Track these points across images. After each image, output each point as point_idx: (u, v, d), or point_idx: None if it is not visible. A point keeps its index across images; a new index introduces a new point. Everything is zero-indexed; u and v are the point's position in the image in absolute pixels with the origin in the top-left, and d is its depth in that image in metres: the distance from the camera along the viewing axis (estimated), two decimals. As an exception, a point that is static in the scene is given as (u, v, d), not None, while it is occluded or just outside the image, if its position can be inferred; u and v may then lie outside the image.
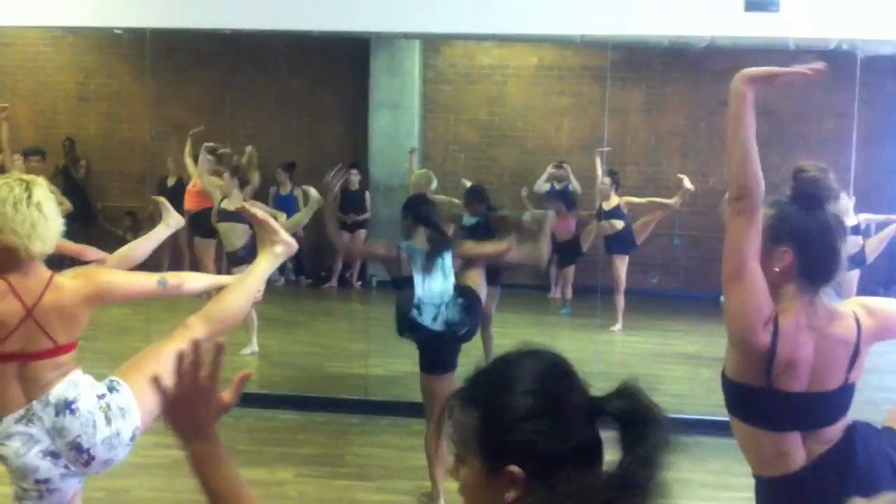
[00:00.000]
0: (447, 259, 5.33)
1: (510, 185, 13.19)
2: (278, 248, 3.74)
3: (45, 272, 3.38)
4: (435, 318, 5.18)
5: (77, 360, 3.51)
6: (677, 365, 8.94)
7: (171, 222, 4.98)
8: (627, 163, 12.80)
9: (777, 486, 2.91)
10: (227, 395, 1.77)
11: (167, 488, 5.61)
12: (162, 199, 5.22)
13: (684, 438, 6.31)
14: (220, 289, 3.84)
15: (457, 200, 9.08)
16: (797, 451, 2.86)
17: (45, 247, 3.29)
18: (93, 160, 13.20)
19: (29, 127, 13.64)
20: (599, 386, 6.60)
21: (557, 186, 12.59)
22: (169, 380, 1.73)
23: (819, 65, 2.86)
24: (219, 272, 9.22)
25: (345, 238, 12.42)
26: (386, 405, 7.25)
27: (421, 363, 5.32)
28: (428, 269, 5.24)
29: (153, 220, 12.93)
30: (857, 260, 9.89)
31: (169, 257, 12.38)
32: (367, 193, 12.69)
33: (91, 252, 4.90)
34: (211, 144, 10.81)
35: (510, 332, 8.35)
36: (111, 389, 3.44)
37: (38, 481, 3.35)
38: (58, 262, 3.68)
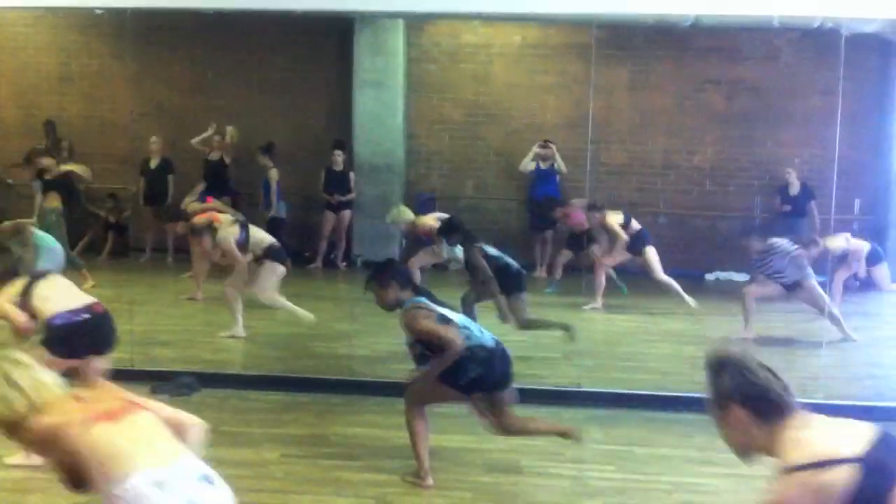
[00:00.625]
0: None
1: (495, 164, 13.18)
2: None
3: None
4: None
5: None
6: (662, 342, 8.95)
7: None
8: (612, 141, 12.79)
9: None
10: None
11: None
12: None
13: (669, 415, 6.37)
14: None
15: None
16: None
17: None
18: (75, 141, 13.10)
19: (11, 108, 13.53)
20: (585, 364, 6.60)
21: (543, 166, 12.58)
22: None
23: None
24: None
25: (329, 218, 12.44)
26: (371, 385, 7.23)
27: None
28: None
29: (136, 201, 12.98)
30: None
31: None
32: (352, 174, 12.65)
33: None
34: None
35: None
36: None
37: None
38: None
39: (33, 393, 3.15)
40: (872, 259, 10.04)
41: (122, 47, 12.49)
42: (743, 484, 5.52)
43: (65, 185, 10.81)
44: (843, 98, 8.97)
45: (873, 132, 12.38)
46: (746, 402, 2.91)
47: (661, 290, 10.22)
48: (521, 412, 5.70)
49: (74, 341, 5.43)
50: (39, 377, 3.21)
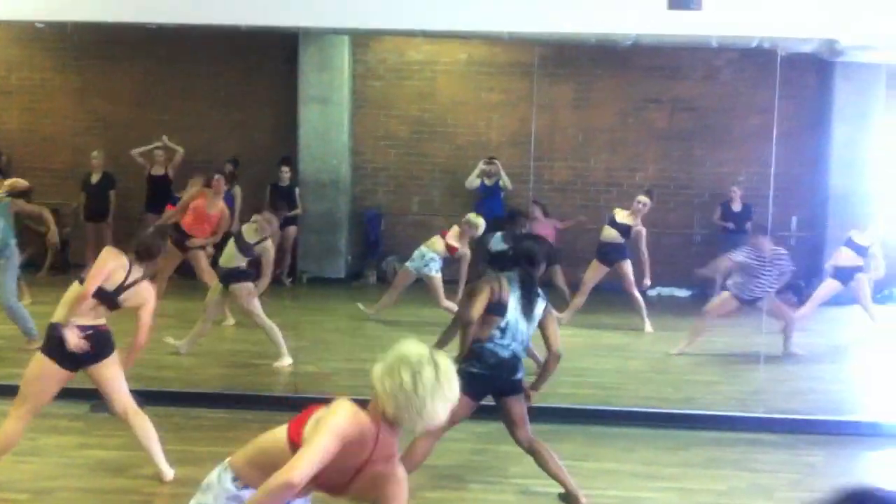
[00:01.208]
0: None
1: (440, 181, 13.23)
2: None
3: None
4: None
5: None
6: (607, 357, 9.05)
7: None
8: (556, 158, 12.92)
9: None
10: None
11: (91, 489, 5.52)
12: None
13: (614, 430, 6.42)
14: None
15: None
16: None
17: None
18: (14, 156, 12.89)
19: (-51, 122, 13.28)
20: (530, 379, 6.55)
21: (488, 182, 12.65)
22: None
23: None
24: None
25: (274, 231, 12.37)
26: (316, 402, 7.18)
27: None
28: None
29: (77, 216, 12.77)
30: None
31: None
32: (297, 189, 12.61)
33: None
34: None
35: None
36: None
37: None
38: None
39: None
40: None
41: (64, 61, 12.37)
42: (687, 498, 5.61)
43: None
44: (779, 116, 9.19)
45: (810, 150, 12.65)
46: None
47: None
48: (468, 427, 5.70)
49: None
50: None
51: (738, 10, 8.64)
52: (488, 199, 12.64)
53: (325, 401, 3.24)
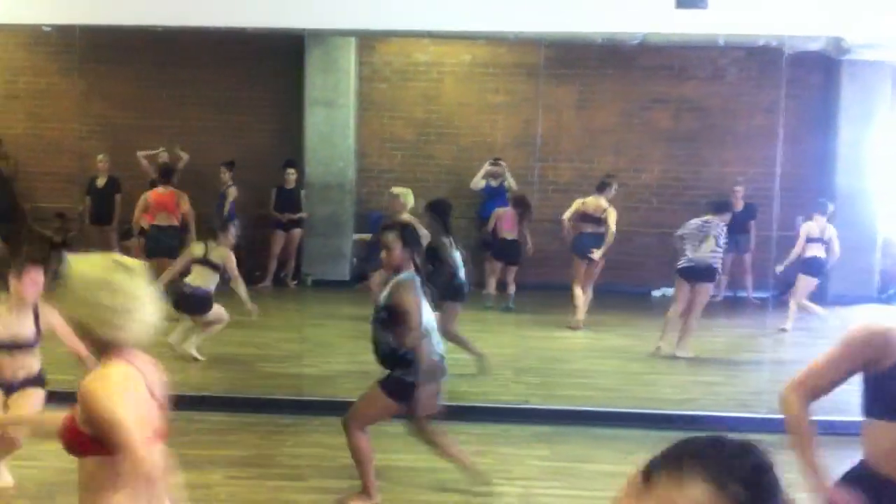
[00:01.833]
0: None
1: (446, 183, 13.21)
2: None
3: None
4: None
5: None
6: (608, 359, 9.02)
7: None
8: (561, 159, 12.89)
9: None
10: None
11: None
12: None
13: (614, 431, 6.40)
14: None
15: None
16: None
17: None
18: (21, 160, 12.94)
19: (-44, 127, 13.33)
20: (532, 381, 6.60)
21: (493, 184, 12.64)
22: None
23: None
24: None
25: (279, 236, 12.40)
26: (318, 405, 7.20)
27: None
28: None
29: (83, 220, 12.80)
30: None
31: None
32: (303, 192, 12.62)
33: None
34: None
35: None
36: None
37: None
38: None
39: None
40: None
41: (69, 65, 12.39)
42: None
43: None
44: (785, 116, 9.16)
45: (816, 149, 12.61)
46: None
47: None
48: (468, 430, 5.71)
49: None
50: None
51: (744, 8, 8.64)
52: (494, 201, 12.62)
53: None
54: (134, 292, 2.85)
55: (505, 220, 11.37)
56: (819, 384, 3.12)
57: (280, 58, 12.96)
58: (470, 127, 13.16)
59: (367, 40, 12.92)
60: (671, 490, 1.62)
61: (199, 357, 8.42)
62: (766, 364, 8.31)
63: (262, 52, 12.71)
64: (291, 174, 12.52)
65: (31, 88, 13.29)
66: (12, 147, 13.00)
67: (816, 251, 10.22)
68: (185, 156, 12.46)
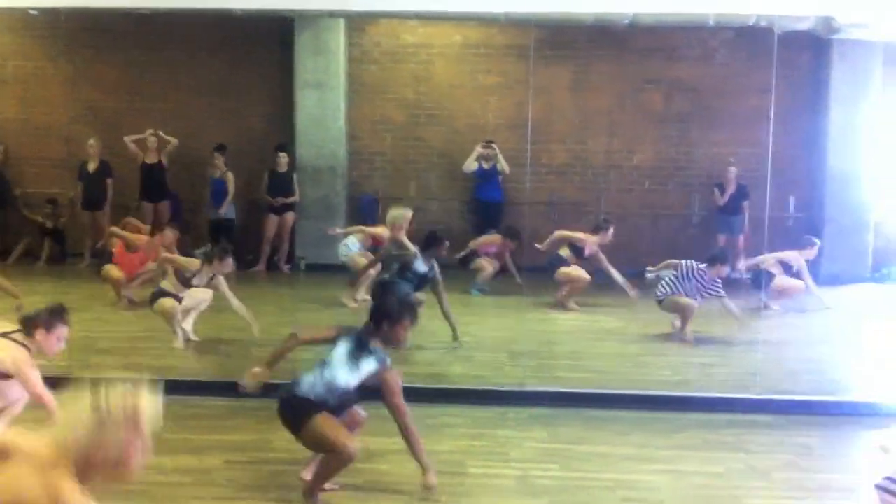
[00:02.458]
0: None
1: (438, 165, 13.20)
2: None
3: None
4: None
5: None
6: (602, 341, 9.03)
7: None
8: (553, 141, 12.87)
9: None
10: None
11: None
12: None
13: (609, 413, 6.40)
14: None
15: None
16: None
17: None
18: (10, 146, 12.86)
19: (-56, 112, 13.24)
20: (528, 364, 6.61)
21: (485, 166, 12.62)
22: None
23: None
24: None
25: (272, 220, 12.38)
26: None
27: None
28: None
29: (73, 206, 12.74)
30: None
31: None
32: (295, 176, 12.58)
33: None
34: None
35: (431, 312, 8.39)
36: None
37: None
38: None
39: None
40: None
41: (56, 49, 12.33)
42: (682, 480, 5.62)
43: None
44: (777, 96, 9.14)
45: (808, 129, 12.62)
46: None
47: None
48: (465, 413, 5.69)
49: None
50: None
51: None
52: (486, 183, 12.63)
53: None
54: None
55: (489, 248, 11.41)
56: None
57: (270, 40, 12.89)
58: (461, 109, 13.13)
59: (357, 22, 12.86)
60: None
61: (194, 338, 8.52)
62: (760, 345, 8.33)
63: (251, 35, 12.65)
64: (283, 157, 12.48)
65: (18, 73, 13.20)
66: (1, 132, 12.93)
67: (780, 275, 10.37)
68: (173, 140, 12.39)
